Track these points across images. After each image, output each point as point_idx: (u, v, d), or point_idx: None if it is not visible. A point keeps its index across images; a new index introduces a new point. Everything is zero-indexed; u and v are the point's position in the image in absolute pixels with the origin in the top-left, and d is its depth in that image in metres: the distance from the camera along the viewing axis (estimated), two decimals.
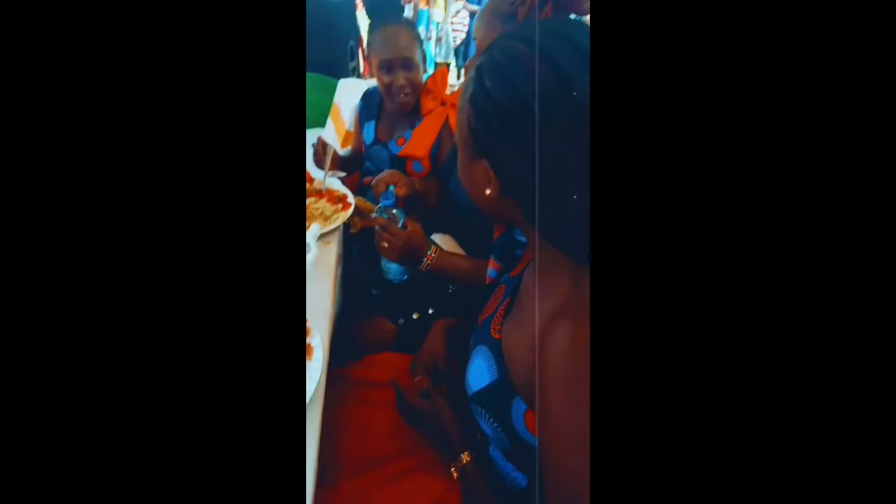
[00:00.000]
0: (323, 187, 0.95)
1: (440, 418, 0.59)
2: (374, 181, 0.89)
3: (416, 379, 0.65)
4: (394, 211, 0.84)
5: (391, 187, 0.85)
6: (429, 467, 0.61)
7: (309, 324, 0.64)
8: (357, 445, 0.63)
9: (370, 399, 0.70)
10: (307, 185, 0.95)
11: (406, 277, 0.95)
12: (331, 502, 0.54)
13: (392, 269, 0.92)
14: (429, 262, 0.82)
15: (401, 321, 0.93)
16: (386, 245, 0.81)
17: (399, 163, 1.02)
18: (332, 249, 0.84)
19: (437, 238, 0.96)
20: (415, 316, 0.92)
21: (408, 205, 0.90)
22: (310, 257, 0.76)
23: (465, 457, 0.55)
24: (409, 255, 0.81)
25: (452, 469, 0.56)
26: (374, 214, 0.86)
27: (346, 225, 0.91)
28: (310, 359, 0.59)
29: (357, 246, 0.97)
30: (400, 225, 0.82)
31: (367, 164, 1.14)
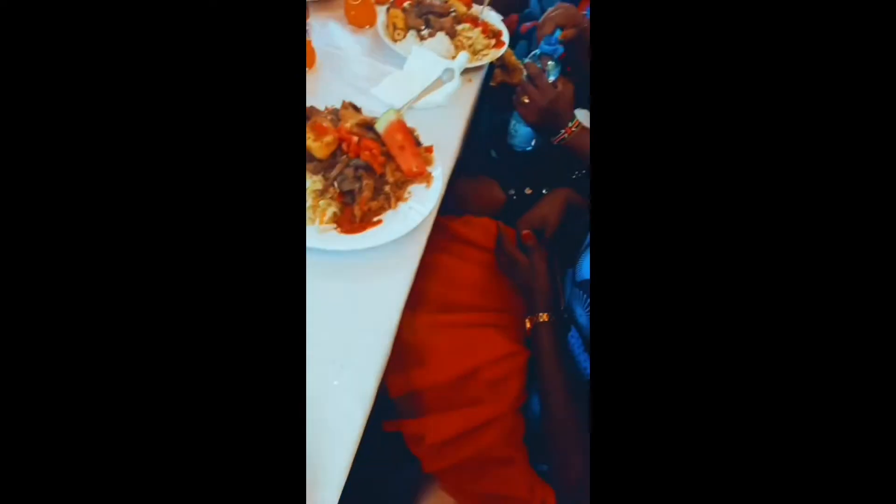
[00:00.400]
0: (480, 14, 0.83)
1: (534, 276, 0.59)
2: (542, 19, 0.74)
3: (524, 232, 0.64)
4: (549, 62, 0.72)
5: (558, 31, 0.71)
6: (503, 328, 0.63)
7: (433, 153, 0.62)
8: (441, 287, 0.65)
9: (463, 254, 0.70)
10: (463, 9, 0.83)
11: (530, 148, 0.86)
12: (407, 324, 0.59)
13: (521, 132, 0.84)
14: (566, 135, 0.72)
15: (512, 192, 0.88)
16: (526, 101, 0.72)
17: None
18: (472, 89, 0.77)
19: (581, 114, 0.83)
20: (528, 191, 0.86)
21: (567, 62, 0.76)
22: (451, 87, 0.70)
23: (543, 316, 0.56)
24: (549, 119, 0.71)
25: (527, 321, 0.57)
26: (526, 60, 0.75)
27: (492, 66, 0.81)
28: (428, 186, 0.59)
29: (490, 99, 0.88)
30: (551, 80, 0.71)
31: (532, 4, 0.97)
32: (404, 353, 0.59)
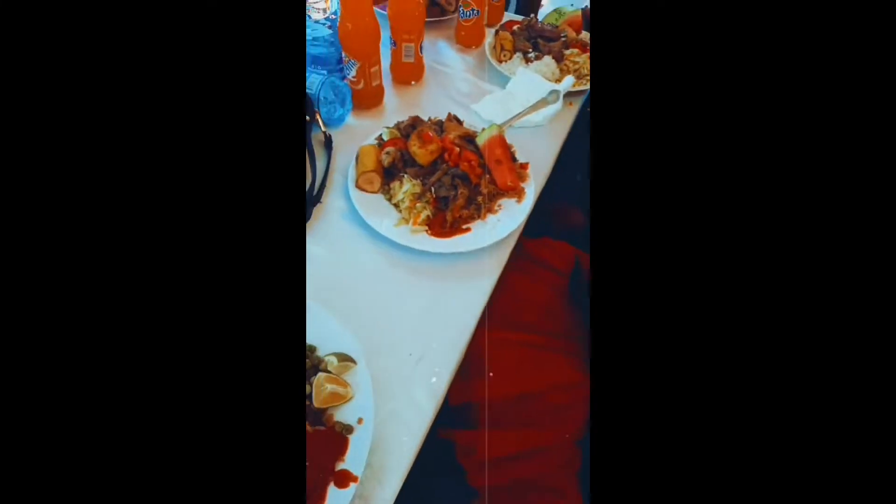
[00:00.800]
0: (589, 40, 0.83)
1: None
2: None
3: None
4: None
5: None
6: (571, 355, 0.61)
7: (528, 169, 0.63)
8: (512, 305, 0.65)
9: (536, 275, 0.70)
10: (574, 34, 0.84)
11: None
12: (479, 340, 0.60)
13: None
14: None
15: None
16: None
17: None
18: (571, 113, 0.77)
19: None
20: None
21: None
22: (553, 109, 0.71)
23: None
24: None
25: None
26: None
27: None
28: (519, 201, 0.60)
29: (583, 124, 0.88)
30: None
31: None
32: (469, 362, 0.59)
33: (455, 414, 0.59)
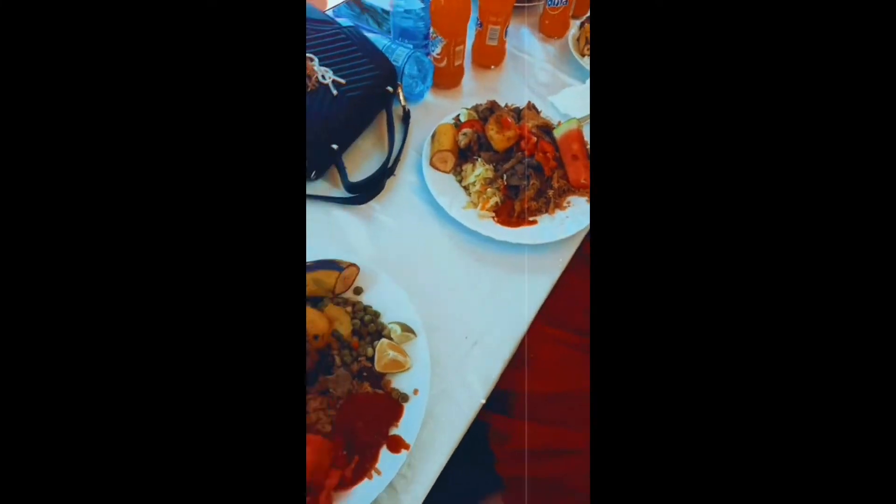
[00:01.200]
0: None
1: None
2: None
3: None
4: None
5: None
6: None
7: (583, 181, 0.61)
8: (561, 303, 0.64)
9: (588, 276, 0.68)
10: None
11: None
12: (529, 331, 0.59)
13: None
14: None
15: None
16: None
17: None
18: None
19: None
20: None
21: None
22: None
23: None
24: None
25: None
26: None
27: None
28: (590, 201, 0.58)
29: None
30: None
31: None
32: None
33: (494, 398, 0.60)
